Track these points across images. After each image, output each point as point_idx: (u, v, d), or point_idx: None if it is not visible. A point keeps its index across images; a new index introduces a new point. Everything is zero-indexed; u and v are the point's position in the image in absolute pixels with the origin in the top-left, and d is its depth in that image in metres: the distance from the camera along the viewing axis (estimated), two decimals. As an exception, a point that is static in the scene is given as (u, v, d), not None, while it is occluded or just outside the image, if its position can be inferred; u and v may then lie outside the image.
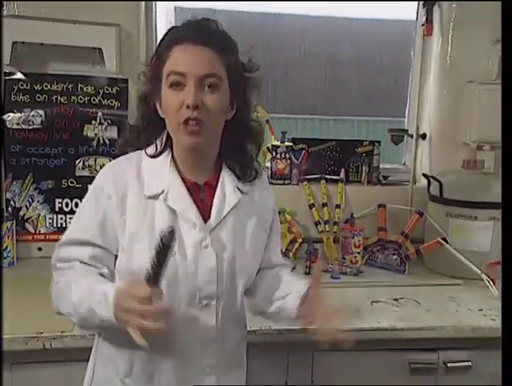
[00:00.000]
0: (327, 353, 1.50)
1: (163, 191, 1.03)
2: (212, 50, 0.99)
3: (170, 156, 1.06)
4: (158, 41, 1.05)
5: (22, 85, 1.83)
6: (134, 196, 1.03)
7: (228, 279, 1.06)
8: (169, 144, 1.07)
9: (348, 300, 1.67)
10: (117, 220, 1.02)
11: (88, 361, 1.16)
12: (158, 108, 1.04)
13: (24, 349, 1.30)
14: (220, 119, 1.03)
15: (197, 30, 0.99)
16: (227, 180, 1.09)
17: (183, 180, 1.06)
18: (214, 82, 0.98)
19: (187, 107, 0.96)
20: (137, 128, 1.10)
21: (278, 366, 1.49)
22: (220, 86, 0.99)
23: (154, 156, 1.06)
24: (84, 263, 1.04)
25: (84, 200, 1.08)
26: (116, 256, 1.06)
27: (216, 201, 1.07)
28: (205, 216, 1.05)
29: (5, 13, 1.74)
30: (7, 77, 1.82)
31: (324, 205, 2.06)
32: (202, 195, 1.07)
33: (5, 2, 1.72)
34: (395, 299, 1.68)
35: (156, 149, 1.07)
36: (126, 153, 1.10)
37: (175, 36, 1.01)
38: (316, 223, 2.03)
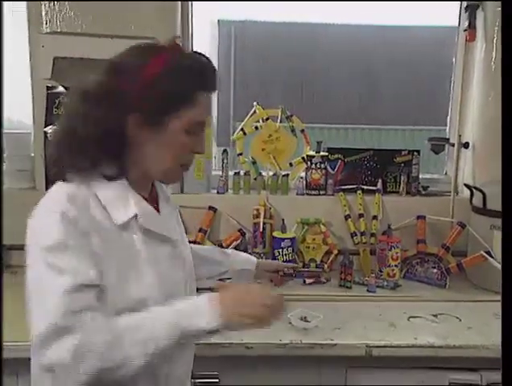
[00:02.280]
0: (361, 369, 1.47)
1: (134, 218, 0.98)
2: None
3: (123, 178, 0.99)
4: (176, 72, 0.95)
5: (63, 99, 1.89)
6: (105, 226, 0.94)
7: (191, 282, 1.15)
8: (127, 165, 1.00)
9: (383, 314, 1.61)
10: (100, 252, 0.91)
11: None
12: (131, 129, 0.95)
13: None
14: None
15: (215, 78, 1.02)
16: (162, 189, 1.15)
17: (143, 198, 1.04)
18: None
19: (197, 153, 1.03)
20: (83, 144, 0.94)
21: (310, 381, 1.45)
22: None
23: (113, 178, 0.97)
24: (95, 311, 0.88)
25: (56, 241, 0.87)
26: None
27: (164, 212, 1.10)
28: None
29: (46, 29, 1.80)
30: (49, 91, 1.88)
31: (361, 216, 2.01)
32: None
33: (47, 19, 1.79)
34: (434, 315, 1.61)
35: (116, 171, 0.98)
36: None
37: (202, 81, 0.98)
38: (352, 235, 1.99)
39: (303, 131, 2.16)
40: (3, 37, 1.77)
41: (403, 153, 2.11)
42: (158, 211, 1.08)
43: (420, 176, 2.11)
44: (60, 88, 1.89)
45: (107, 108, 0.93)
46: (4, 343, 1.22)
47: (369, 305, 1.68)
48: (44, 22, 1.80)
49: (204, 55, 1.00)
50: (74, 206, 0.90)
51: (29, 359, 1.02)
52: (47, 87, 1.88)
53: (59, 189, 0.96)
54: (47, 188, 1.85)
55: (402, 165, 2.10)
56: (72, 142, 0.95)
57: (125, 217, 0.96)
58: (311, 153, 2.08)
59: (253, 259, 1.45)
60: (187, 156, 1.02)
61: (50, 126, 1.89)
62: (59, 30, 1.83)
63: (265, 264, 1.50)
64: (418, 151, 2.11)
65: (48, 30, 1.81)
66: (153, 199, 1.09)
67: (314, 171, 2.06)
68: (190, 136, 0.98)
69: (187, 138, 0.98)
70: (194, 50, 1.04)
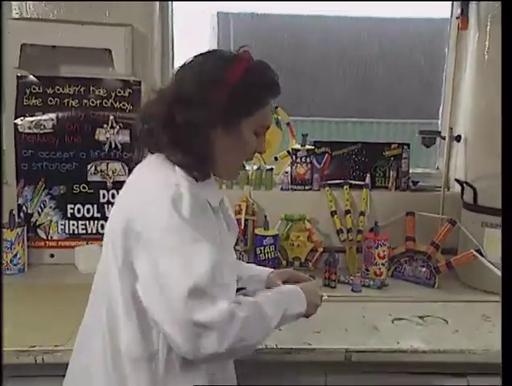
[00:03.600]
0: (341, 375, 1.39)
1: (221, 201, 1.11)
2: None
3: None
4: (254, 79, 1.04)
5: (34, 89, 1.81)
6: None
7: None
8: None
9: (366, 316, 1.53)
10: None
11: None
12: (210, 136, 1.03)
13: (16, 363, 1.25)
14: None
15: (279, 85, 1.10)
16: None
17: None
18: None
19: (259, 152, 1.13)
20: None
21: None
22: None
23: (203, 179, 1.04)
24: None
25: (196, 230, 0.92)
26: None
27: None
28: None
29: (14, 15, 1.71)
30: (19, 80, 1.80)
31: (347, 212, 1.93)
32: None
33: (15, 4, 1.70)
34: (420, 317, 1.53)
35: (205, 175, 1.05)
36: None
37: (273, 88, 1.08)
38: (338, 232, 1.91)
39: (288, 124, 2.08)
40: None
41: (393, 146, 2.03)
42: None
43: (410, 170, 2.03)
44: (31, 78, 1.81)
45: (198, 114, 0.99)
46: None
47: (353, 306, 1.60)
48: (13, 8, 1.72)
49: (266, 64, 1.09)
50: (194, 185, 0.98)
51: None
52: (18, 76, 1.80)
53: (170, 172, 0.98)
54: (17, 182, 1.79)
55: (392, 159, 2.02)
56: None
57: (217, 200, 1.06)
58: (297, 146, 2.00)
59: (267, 269, 1.37)
60: (250, 155, 1.11)
61: (21, 118, 1.81)
62: (28, 16, 1.74)
63: (278, 273, 1.34)
64: (408, 144, 2.02)
65: (17, 16, 1.73)
66: None
67: (299, 165, 1.98)
68: (257, 137, 1.07)
69: (255, 139, 1.07)
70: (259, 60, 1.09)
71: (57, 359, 1.26)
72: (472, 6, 1.93)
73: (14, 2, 1.73)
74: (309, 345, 1.34)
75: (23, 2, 1.75)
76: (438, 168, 2.14)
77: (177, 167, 0.99)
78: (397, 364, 1.36)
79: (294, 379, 1.37)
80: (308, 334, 1.38)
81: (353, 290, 1.72)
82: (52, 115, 1.82)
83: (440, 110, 2.13)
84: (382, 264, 1.79)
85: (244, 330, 0.90)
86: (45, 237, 1.86)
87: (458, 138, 2.00)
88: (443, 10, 2.08)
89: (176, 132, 0.99)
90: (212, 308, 0.87)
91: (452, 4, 2.04)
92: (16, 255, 1.76)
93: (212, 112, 0.99)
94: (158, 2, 1.89)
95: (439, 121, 2.13)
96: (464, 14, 1.91)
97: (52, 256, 1.87)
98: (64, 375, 1.25)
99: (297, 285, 1.15)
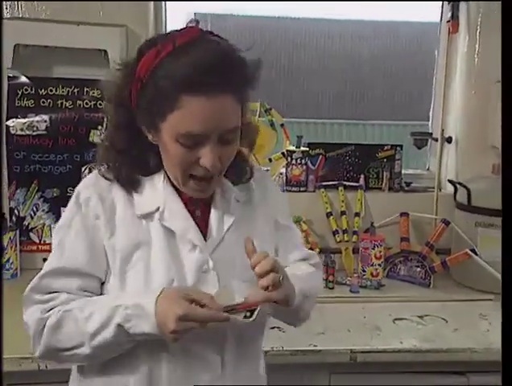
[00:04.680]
0: (345, 375, 1.40)
1: (157, 209, 0.92)
2: (232, 95, 0.83)
3: (163, 171, 0.94)
4: (160, 71, 0.82)
5: (26, 90, 1.77)
6: (123, 217, 0.91)
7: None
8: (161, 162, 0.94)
9: (367, 316, 1.55)
10: (106, 243, 0.91)
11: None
12: (148, 135, 0.89)
13: (18, 370, 1.22)
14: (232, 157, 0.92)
15: (213, 72, 0.79)
16: (223, 190, 0.98)
17: (179, 195, 0.94)
18: (234, 135, 0.87)
19: (205, 167, 0.86)
20: (116, 148, 0.92)
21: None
22: (237, 134, 0.88)
23: (145, 175, 0.94)
24: (71, 294, 0.91)
25: (65, 220, 0.93)
26: (103, 283, 0.94)
27: (213, 217, 0.96)
28: (203, 236, 0.94)
29: (6, 14, 1.67)
30: (11, 81, 1.76)
31: (343, 213, 1.94)
32: (199, 212, 0.96)
33: (6, 3, 1.66)
34: (420, 316, 1.55)
35: (147, 168, 0.94)
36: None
37: (184, 80, 0.79)
38: (334, 233, 1.92)
39: (282, 125, 2.08)
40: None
41: (386, 148, 2.05)
42: (208, 213, 0.96)
43: (403, 172, 2.05)
44: (23, 78, 1.77)
45: (118, 109, 0.90)
46: None
47: (353, 307, 1.61)
48: (5, 7, 1.67)
49: (218, 48, 0.82)
50: (92, 188, 0.92)
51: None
52: (9, 77, 1.75)
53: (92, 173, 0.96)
54: (9, 185, 1.75)
55: (385, 160, 2.04)
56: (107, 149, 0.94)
57: (148, 209, 0.92)
58: (292, 148, 2.00)
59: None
60: (194, 168, 0.86)
61: (12, 119, 1.77)
62: (21, 16, 1.70)
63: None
64: (400, 146, 2.05)
65: (9, 16, 1.68)
66: (205, 200, 0.96)
67: (294, 167, 1.98)
68: (184, 147, 0.84)
69: (182, 149, 0.84)
70: (213, 38, 0.85)
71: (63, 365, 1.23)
72: (463, 9, 1.97)
73: (5, 2, 1.69)
74: (315, 346, 1.34)
75: (14, 2, 1.70)
76: (429, 169, 2.17)
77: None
78: (400, 364, 1.38)
79: (298, 380, 1.37)
80: (312, 335, 1.39)
81: (351, 291, 1.73)
82: (45, 116, 1.77)
83: (431, 112, 2.16)
84: (379, 265, 1.80)
85: (53, 338, 0.88)
86: (38, 241, 1.82)
87: (449, 140, 2.03)
88: (434, 14, 2.11)
89: (105, 134, 0.96)
90: (29, 312, 0.91)
91: (442, 7, 2.07)
92: (9, 260, 1.71)
93: (128, 112, 0.87)
94: (152, 3, 1.87)
95: (430, 123, 2.16)
96: (455, 18, 1.95)
97: (45, 260, 1.82)
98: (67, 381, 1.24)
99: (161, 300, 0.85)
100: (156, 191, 0.93)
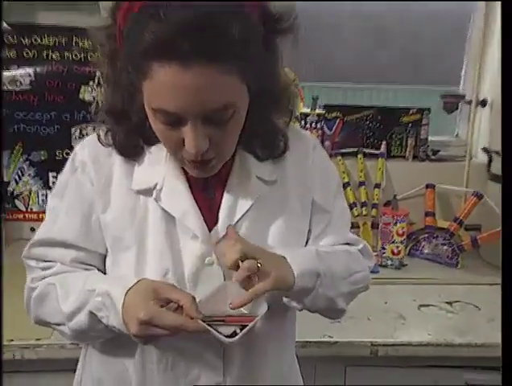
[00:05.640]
0: (363, 368, 1.24)
1: (155, 186, 0.78)
2: (222, 64, 0.63)
3: None
4: (129, 32, 0.66)
5: (7, 38, 1.56)
6: (119, 189, 0.79)
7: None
8: None
9: (389, 302, 1.38)
10: (101, 216, 0.79)
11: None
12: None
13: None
14: (236, 135, 0.75)
15: (192, 35, 0.60)
16: (242, 168, 0.81)
17: (184, 172, 0.78)
18: (226, 114, 0.68)
19: (189, 157, 0.71)
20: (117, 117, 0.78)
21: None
22: (235, 111, 0.69)
23: (147, 144, 0.80)
24: (65, 265, 0.82)
25: (59, 185, 0.83)
26: (106, 255, 0.82)
27: (225, 201, 0.79)
28: (214, 221, 0.79)
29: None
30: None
31: (361, 184, 1.76)
32: (211, 193, 0.80)
33: None
34: (448, 302, 1.38)
35: (148, 136, 0.77)
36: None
37: (154, 43, 0.61)
38: (351, 206, 1.73)
39: (296, 84, 1.86)
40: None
41: (411, 111, 1.84)
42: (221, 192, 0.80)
43: (430, 138, 1.85)
44: (4, 26, 1.56)
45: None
46: None
47: (373, 290, 1.40)
48: None
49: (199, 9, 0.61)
50: (90, 150, 0.80)
51: None
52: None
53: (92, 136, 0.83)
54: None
55: (410, 125, 1.83)
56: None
57: (145, 185, 0.78)
58: (306, 110, 1.80)
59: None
60: (183, 151, 0.70)
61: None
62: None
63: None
64: (428, 109, 1.83)
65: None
66: (221, 179, 0.81)
67: (309, 132, 1.78)
68: (164, 124, 0.68)
69: (163, 127, 0.69)
70: None
71: (40, 354, 1.10)
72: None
73: None
74: (330, 337, 1.18)
75: None
76: (458, 135, 1.96)
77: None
78: (425, 357, 1.22)
79: (309, 374, 1.21)
80: (326, 323, 1.22)
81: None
82: (30, 70, 1.59)
83: (462, 73, 1.93)
84: (401, 243, 1.62)
85: (39, 310, 0.82)
86: (24, 209, 1.66)
87: (484, 103, 1.81)
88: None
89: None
90: (28, 278, 0.85)
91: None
92: (-9, 229, 1.55)
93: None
94: None
95: (461, 86, 1.94)
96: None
97: (33, 229, 1.67)
98: (49, 371, 1.09)
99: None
100: (157, 165, 0.79)
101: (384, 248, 1.64)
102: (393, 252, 1.63)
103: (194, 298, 0.68)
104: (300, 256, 0.77)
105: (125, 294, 0.70)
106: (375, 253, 1.61)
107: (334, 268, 0.80)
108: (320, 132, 1.79)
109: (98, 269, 0.81)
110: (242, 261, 0.69)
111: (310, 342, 1.17)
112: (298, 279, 0.74)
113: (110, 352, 0.82)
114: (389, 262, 1.61)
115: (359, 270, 0.86)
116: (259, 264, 0.69)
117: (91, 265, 0.81)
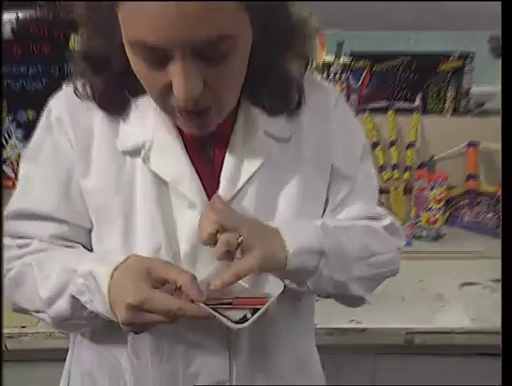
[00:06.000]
0: (395, 356, 1.07)
1: (143, 145, 0.66)
2: None
3: None
4: None
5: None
6: (101, 150, 0.68)
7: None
8: None
9: (425, 279, 1.19)
10: (82, 182, 0.68)
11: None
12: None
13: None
14: (238, 80, 0.62)
15: None
16: (247, 123, 0.68)
17: (179, 129, 0.67)
18: (223, 49, 0.55)
19: (178, 103, 0.58)
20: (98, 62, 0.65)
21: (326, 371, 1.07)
22: (234, 46, 0.55)
23: (133, 95, 0.68)
24: (45, 242, 0.71)
25: (33, 146, 0.72)
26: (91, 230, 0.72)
27: (228, 162, 0.67)
28: (215, 186, 0.68)
29: None
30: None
31: (392, 144, 1.56)
32: (211, 152, 0.69)
33: None
34: (495, 280, 1.19)
35: (134, 86, 0.64)
36: None
37: None
38: (381, 168, 1.54)
39: (317, 30, 1.64)
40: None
41: (451, 58, 1.60)
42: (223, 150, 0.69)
43: (473, 89, 1.63)
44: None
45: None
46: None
47: (406, 266, 1.23)
48: None
49: None
50: (67, 103, 0.69)
51: None
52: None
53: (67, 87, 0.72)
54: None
55: (450, 74, 1.61)
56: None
57: (132, 143, 0.67)
58: (329, 58, 1.60)
59: None
60: (171, 98, 0.58)
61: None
62: None
63: None
64: (472, 54, 1.59)
65: None
66: (223, 136, 0.69)
67: (331, 84, 1.58)
68: (146, 63, 0.56)
69: (145, 66, 0.56)
70: None
71: (25, 344, 1.00)
72: None
73: None
74: (359, 323, 1.01)
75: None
76: (504, 87, 1.72)
77: None
78: (468, 346, 1.04)
79: (333, 360, 1.05)
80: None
81: (401, 243, 1.38)
82: (11, 15, 1.40)
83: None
84: (438, 210, 1.43)
85: (15, 296, 0.71)
86: (13, 176, 1.51)
87: (538, 47, 1.55)
88: None
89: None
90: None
91: None
92: (-23, 198, 1.41)
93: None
94: None
95: None
96: None
97: (25, 198, 1.53)
98: (34, 361, 1.04)
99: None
100: (145, 119, 0.68)
101: (418, 217, 1.46)
102: (429, 221, 1.44)
103: (194, 277, 0.58)
104: (299, 229, 0.66)
105: (112, 274, 0.60)
106: (409, 223, 1.43)
107: (346, 247, 0.67)
108: (345, 84, 1.60)
109: (84, 247, 0.71)
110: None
111: (335, 329, 1.02)
112: (292, 257, 0.62)
113: (100, 341, 0.73)
114: (424, 233, 1.43)
115: (383, 251, 0.72)
116: (240, 238, 0.59)
117: (74, 242, 0.71)
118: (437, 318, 1.05)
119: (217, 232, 0.59)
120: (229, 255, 0.59)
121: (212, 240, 0.59)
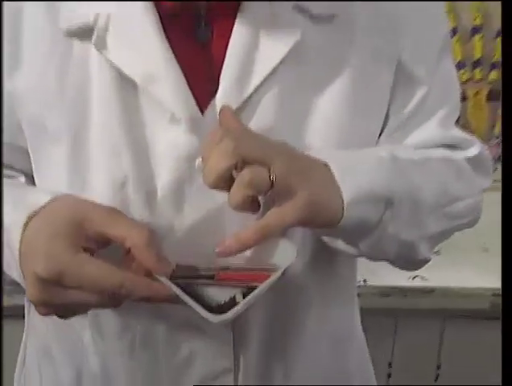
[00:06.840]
0: (466, 320, 0.86)
1: (95, 21, 0.45)
2: None
3: None
4: None
5: None
6: (35, 32, 0.48)
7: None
8: None
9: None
10: (6, 83, 0.48)
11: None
12: None
13: None
14: None
15: None
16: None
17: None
18: None
19: None
20: None
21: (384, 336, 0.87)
22: None
23: None
24: None
25: None
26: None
27: (232, 51, 0.46)
28: (210, 89, 0.46)
29: None
30: None
31: (476, 31, 1.25)
32: (205, 34, 0.47)
33: None
34: None
35: None
36: None
37: None
38: (458, 66, 1.26)
39: None
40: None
41: None
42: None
43: None
44: None
45: None
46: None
47: (487, 201, 1.00)
48: None
49: None
50: None
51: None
52: None
53: None
54: None
55: None
56: None
57: (81, 19, 0.46)
58: None
59: None
60: None
61: None
62: None
63: None
64: None
65: None
66: (226, 14, 0.47)
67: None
68: None
69: None
70: None
71: None
72: None
73: None
74: (424, 280, 0.78)
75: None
76: None
77: None
78: None
79: (390, 323, 0.84)
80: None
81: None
82: None
83: None
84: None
85: None
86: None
87: None
88: None
89: None
90: None
91: None
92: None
93: None
94: None
95: None
96: None
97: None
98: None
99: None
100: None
101: (504, 131, 1.15)
102: (517, 137, 1.13)
103: (152, 233, 0.41)
104: (357, 163, 0.46)
105: (26, 223, 0.43)
106: (492, 142, 1.14)
107: (421, 192, 0.48)
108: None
109: (26, 177, 0.53)
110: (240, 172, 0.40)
111: (392, 288, 0.78)
112: (350, 207, 0.43)
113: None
114: None
115: (465, 195, 0.53)
116: (273, 177, 0.40)
117: (13, 170, 0.53)
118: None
119: (235, 166, 0.40)
120: (252, 204, 0.41)
121: (224, 181, 0.40)
